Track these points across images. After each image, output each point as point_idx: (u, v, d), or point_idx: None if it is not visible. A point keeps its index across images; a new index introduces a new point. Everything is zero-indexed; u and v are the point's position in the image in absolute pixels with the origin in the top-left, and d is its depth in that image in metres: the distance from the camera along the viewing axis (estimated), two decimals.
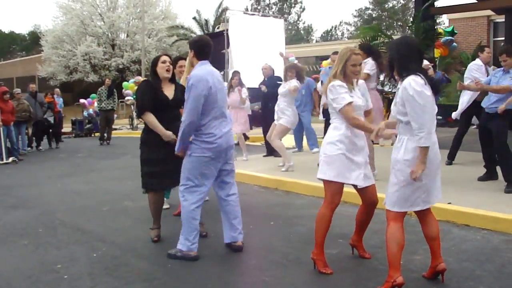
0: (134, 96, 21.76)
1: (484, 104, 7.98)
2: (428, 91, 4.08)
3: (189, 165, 5.26)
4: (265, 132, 12.50)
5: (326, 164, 4.83)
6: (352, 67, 4.79)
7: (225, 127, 5.34)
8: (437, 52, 13.98)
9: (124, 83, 23.37)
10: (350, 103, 4.72)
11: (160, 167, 5.65)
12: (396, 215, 4.28)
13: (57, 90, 20.22)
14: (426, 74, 4.20)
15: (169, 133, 5.56)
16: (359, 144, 4.83)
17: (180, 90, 5.79)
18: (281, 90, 9.83)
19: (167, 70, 5.74)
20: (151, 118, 5.62)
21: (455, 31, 14.74)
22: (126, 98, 23.85)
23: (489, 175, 8.24)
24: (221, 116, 5.33)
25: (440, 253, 4.46)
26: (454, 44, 14.30)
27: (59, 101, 19.46)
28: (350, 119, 4.73)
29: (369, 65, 8.51)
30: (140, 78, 22.91)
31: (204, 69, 5.24)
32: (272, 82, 12.11)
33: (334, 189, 4.84)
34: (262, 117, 12.57)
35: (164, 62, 5.77)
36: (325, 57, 17.45)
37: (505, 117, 7.62)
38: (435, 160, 4.22)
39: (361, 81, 5.09)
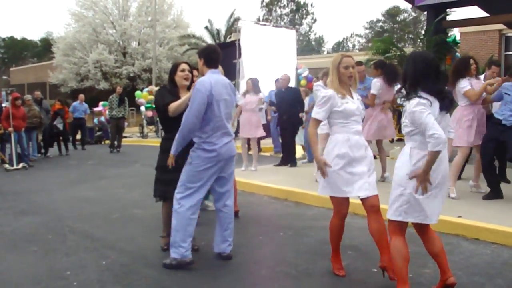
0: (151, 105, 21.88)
1: (499, 116, 7.92)
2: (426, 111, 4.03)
3: (188, 173, 5.29)
4: (282, 143, 12.55)
5: (325, 180, 4.88)
6: (344, 69, 4.79)
7: (226, 139, 5.37)
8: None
9: (137, 92, 23.28)
10: (316, 120, 4.85)
11: (173, 175, 5.62)
12: (395, 228, 4.27)
13: (82, 96, 19.91)
14: (439, 92, 4.18)
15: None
16: (359, 155, 4.80)
17: None
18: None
19: (186, 79, 5.72)
20: (175, 104, 5.53)
21: (457, 41, 14.64)
22: (141, 107, 23.79)
23: (495, 193, 7.98)
24: (223, 128, 5.35)
25: (448, 267, 4.43)
26: (457, 54, 14.19)
27: (82, 107, 19.45)
28: (311, 134, 4.88)
29: (376, 86, 8.72)
30: (154, 88, 22.92)
31: (211, 77, 5.28)
32: (289, 93, 12.13)
33: (336, 201, 4.94)
34: (281, 128, 12.45)
35: (183, 70, 5.74)
36: None
37: None
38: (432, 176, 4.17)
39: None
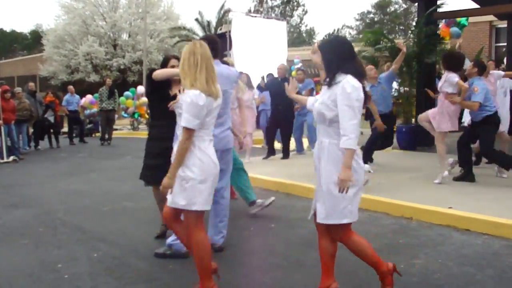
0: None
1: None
2: (362, 93, 3.91)
3: None
4: (269, 135, 12.50)
5: None
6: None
7: (220, 129, 5.38)
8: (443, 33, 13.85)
9: (121, 99, 22.77)
10: None
11: (156, 160, 5.62)
12: (347, 228, 4.10)
13: (71, 87, 19.69)
14: (361, 77, 4.03)
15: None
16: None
17: None
18: None
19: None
20: (161, 70, 5.50)
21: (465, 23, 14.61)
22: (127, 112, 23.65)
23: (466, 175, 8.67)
24: (218, 119, 5.32)
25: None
26: (457, 30, 14.01)
27: (75, 99, 19.32)
28: None
29: None
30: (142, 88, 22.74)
31: None
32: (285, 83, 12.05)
33: None
34: (273, 119, 12.39)
35: (173, 66, 5.72)
36: None
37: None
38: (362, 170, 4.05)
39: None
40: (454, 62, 8.52)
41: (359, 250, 4.16)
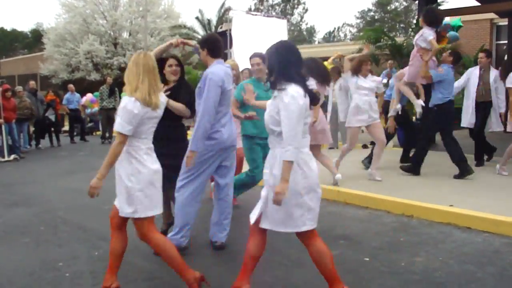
0: None
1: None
2: (302, 101, 3.78)
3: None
4: None
5: None
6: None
7: (229, 127, 5.39)
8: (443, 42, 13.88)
9: (123, 94, 22.84)
10: None
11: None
12: (312, 233, 4.05)
13: (71, 86, 19.77)
14: (305, 82, 3.95)
15: None
16: None
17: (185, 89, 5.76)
18: (371, 84, 8.82)
19: (174, 74, 5.70)
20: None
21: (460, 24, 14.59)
22: None
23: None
24: (226, 117, 5.38)
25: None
26: (454, 33, 13.95)
27: (75, 97, 19.33)
28: None
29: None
30: None
31: (220, 68, 5.25)
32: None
33: None
34: None
35: (170, 66, 5.72)
36: (327, 58, 17.45)
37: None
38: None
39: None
40: (432, 16, 8.86)
41: (319, 259, 4.05)
